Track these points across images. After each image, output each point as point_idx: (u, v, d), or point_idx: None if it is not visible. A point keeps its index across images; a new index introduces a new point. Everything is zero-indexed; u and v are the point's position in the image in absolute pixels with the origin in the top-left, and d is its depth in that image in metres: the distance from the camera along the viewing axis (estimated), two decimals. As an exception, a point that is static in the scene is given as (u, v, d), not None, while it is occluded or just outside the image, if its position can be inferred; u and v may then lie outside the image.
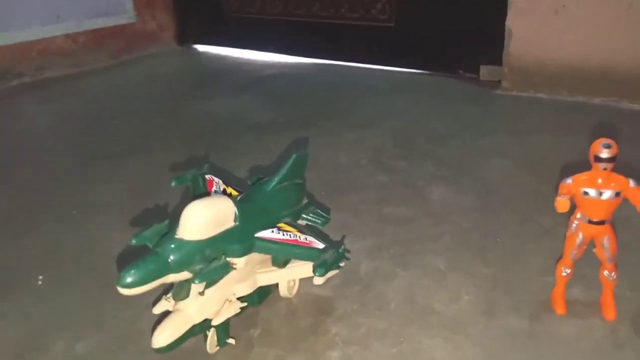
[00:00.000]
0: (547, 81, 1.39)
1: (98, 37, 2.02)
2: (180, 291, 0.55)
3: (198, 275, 0.52)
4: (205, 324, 0.57)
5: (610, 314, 0.62)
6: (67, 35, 1.93)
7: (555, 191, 0.59)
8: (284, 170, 0.66)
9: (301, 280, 0.69)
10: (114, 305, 0.68)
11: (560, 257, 0.64)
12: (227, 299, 0.59)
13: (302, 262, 0.64)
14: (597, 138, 0.56)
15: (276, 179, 0.65)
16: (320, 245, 0.60)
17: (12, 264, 0.79)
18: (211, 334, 0.59)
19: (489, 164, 1.04)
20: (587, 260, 0.63)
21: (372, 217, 0.87)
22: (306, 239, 0.60)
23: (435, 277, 0.71)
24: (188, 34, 2.25)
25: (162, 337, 0.54)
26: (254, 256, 0.63)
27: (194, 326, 0.56)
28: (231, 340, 0.60)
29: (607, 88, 1.32)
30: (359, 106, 1.43)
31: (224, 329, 0.60)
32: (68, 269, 0.77)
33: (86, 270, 0.77)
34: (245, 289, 0.62)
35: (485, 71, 1.57)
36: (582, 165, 0.58)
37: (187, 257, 0.52)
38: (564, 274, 0.63)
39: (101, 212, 0.92)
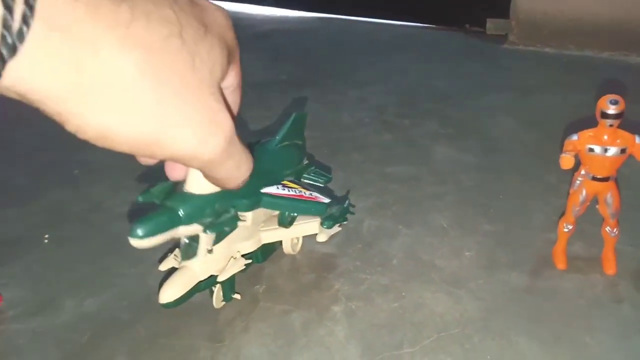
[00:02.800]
0: (555, 35, 1.35)
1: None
2: (188, 250, 0.56)
3: (210, 227, 0.52)
4: (211, 280, 0.58)
5: (610, 269, 0.63)
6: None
7: (560, 149, 0.58)
8: (284, 129, 0.66)
9: (304, 237, 0.70)
10: (122, 263, 0.69)
11: (562, 214, 0.64)
12: (231, 256, 0.60)
13: (306, 220, 0.65)
14: (604, 94, 0.55)
15: (277, 138, 0.65)
16: (326, 200, 0.61)
17: (18, 226, 0.79)
18: (217, 289, 0.60)
19: (493, 121, 1.03)
20: (589, 217, 0.63)
21: (375, 176, 0.87)
22: (311, 194, 0.61)
23: (437, 234, 0.72)
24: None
25: (169, 293, 0.55)
26: (260, 214, 0.63)
27: (199, 282, 0.57)
28: (237, 296, 0.62)
29: (616, 42, 1.29)
30: (362, 63, 1.40)
31: (230, 285, 0.61)
32: (74, 229, 0.78)
33: (92, 229, 0.78)
34: (250, 247, 0.63)
35: (491, 25, 1.53)
36: (587, 122, 0.58)
37: (198, 210, 0.52)
38: (565, 230, 0.63)
39: (104, 172, 0.92)
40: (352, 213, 0.64)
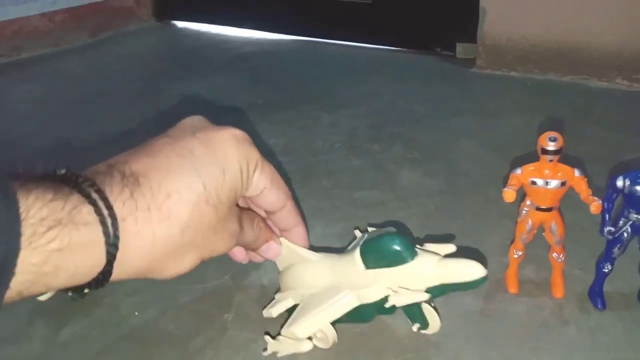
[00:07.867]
0: (519, 60, 1.41)
1: (75, 15, 1.98)
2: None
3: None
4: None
5: (558, 292, 0.67)
6: (43, 14, 1.90)
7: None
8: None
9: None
10: (94, 293, 0.72)
11: (513, 240, 0.68)
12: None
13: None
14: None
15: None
16: None
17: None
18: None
19: (458, 145, 1.08)
20: (540, 241, 0.68)
21: (344, 202, 0.90)
22: None
23: (399, 259, 0.75)
24: (166, 10, 2.23)
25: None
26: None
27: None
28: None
29: (577, 66, 1.35)
30: (336, 86, 1.45)
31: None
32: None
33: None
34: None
35: (461, 49, 1.59)
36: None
37: None
38: (515, 256, 0.67)
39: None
40: None
